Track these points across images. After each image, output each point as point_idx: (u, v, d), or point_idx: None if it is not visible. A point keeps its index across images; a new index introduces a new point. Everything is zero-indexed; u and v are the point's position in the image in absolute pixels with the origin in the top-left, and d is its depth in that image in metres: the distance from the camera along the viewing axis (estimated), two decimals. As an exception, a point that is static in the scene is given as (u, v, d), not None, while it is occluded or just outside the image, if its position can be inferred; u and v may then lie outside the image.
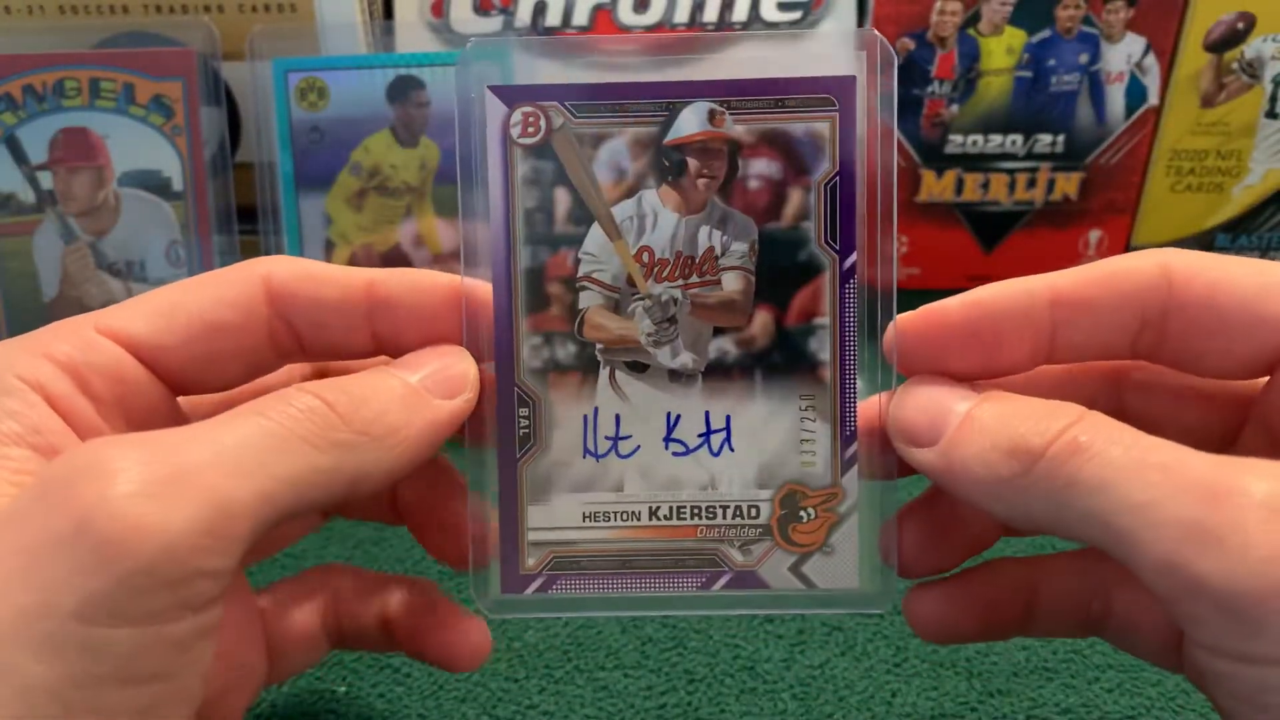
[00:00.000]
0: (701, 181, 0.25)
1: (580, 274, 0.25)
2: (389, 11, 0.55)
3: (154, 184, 0.50)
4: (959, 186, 0.56)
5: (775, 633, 0.35)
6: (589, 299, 0.25)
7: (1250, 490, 0.19)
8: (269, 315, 0.24)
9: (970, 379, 0.25)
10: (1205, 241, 0.57)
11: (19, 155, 0.49)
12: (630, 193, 0.25)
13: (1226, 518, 0.19)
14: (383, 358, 0.26)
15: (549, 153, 0.25)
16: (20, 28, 0.51)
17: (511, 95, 0.25)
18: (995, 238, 0.58)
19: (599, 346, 0.25)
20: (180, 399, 0.25)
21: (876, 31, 0.25)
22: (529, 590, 0.25)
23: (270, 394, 0.22)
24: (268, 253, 0.50)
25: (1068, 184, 0.56)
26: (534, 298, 0.25)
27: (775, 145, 0.25)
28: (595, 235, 0.25)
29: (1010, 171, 0.56)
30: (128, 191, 0.50)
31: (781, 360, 0.25)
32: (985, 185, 0.56)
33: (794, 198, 0.25)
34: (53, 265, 0.50)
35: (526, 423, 0.25)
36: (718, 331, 0.25)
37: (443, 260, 0.50)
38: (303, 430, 0.21)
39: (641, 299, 0.25)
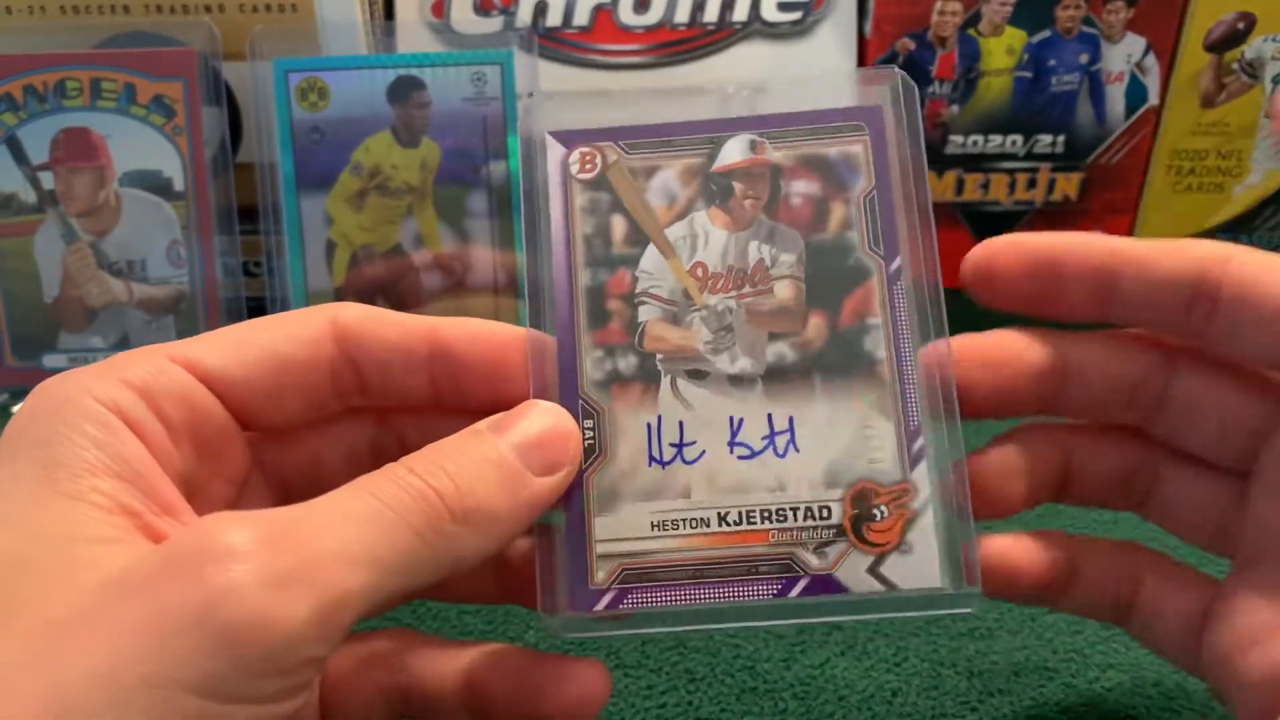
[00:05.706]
0: (748, 202, 0.27)
1: (638, 290, 0.26)
2: (389, 11, 0.55)
3: (155, 184, 0.50)
4: (959, 186, 0.56)
5: (775, 632, 0.35)
6: (648, 313, 0.26)
7: None
8: (333, 353, 0.25)
9: (1026, 313, 0.27)
10: (1205, 241, 0.58)
11: (20, 155, 0.49)
12: (681, 215, 0.27)
13: None
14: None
15: (605, 185, 0.27)
16: (21, 28, 0.51)
17: (569, 138, 0.27)
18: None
19: (659, 356, 0.26)
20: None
21: (897, 69, 0.28)
22: (599, 606, 0.25)
23: (378, 471, 0.22)
24: (269, 252, 0.50)
25: (1068, 184, 0.56)
26: (595, 314, 0.26)
27: (813, 167, 0.27)
28: (651, 254, 0.27)
29: (1010, 172, 0.56)
30: (129, 191, 0.50)
31: (839, 360, 0.26)
32: (985, 185, 0.56)
33: (836, 211, 0.27)
34: (54, 265, 0.50)
35: (591, 434, 0.25)
36: (774, 337, 0.26)
37: (442, 260, 0.50)
38: (411, 518, 0.21)
39: (698, 310, 0.26)
